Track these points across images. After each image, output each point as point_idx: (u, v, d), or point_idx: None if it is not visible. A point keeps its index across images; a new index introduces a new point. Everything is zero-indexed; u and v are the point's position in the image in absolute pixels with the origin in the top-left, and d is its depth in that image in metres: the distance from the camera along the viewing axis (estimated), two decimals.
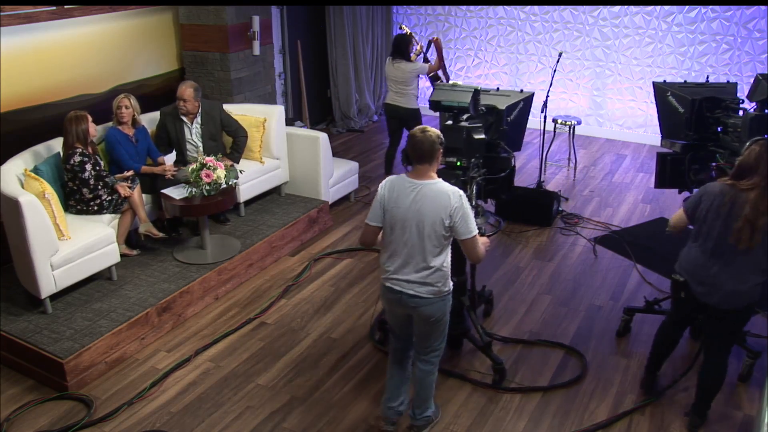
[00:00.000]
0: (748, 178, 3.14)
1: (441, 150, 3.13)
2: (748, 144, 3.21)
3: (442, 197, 3.05)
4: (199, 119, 5.39)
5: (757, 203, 3.09)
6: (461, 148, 3.66)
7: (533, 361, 4.16)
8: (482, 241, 3.27)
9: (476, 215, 3.80)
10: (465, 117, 3.78)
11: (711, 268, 3.28)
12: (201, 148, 5.31)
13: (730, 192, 3.18)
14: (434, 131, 3.10)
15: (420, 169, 3.12)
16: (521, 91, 4.31)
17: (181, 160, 5.37)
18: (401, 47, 6.27)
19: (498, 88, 4.28)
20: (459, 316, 4.02)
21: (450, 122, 3.74)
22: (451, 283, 3.27)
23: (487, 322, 4.55)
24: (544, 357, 4.21)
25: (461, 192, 3.09)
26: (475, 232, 3.11)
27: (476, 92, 3.69)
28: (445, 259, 3.18)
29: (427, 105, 3.90)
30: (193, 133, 5.39)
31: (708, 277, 3.30)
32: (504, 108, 3.95)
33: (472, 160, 3.71)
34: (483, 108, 3.90)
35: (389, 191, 3.16)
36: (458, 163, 3.69)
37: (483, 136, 3.70)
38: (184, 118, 5.34)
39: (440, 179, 3.15)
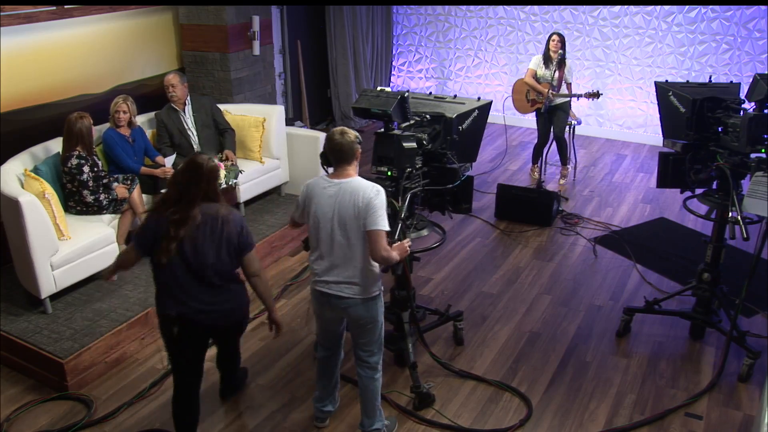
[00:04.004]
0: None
1: (359, 149, 3.15)
2: None
3: (359, 192, 3.04)
4: (189, 108, 5.50)
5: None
6: (392, 157, 3.52)
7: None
8: (400, 248, 3.20)
9: (421, 228, 3.73)
10: (405, 125, 3.63)
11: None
12: (197, 138, 5.45)
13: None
14: (353, 133, 3.11)
15: (339, 170, 3.14)
16: (479, 98, 4.08)
17: (184, 153, 5.38)
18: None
19: (455, 96, 4.06)
20: (399, 331, 3.91)
21: (382, 130, 3.61)
22: (380, 286, 3.25)
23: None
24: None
25: (379, 187, 3.08)
26: (381, 227, 3.03)
27: (402, 99, 3.55)
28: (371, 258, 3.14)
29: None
30: (188, 122, 5.47)
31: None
32: (454, 116, 3.72)
33: (407, 170, 3.54)
34: (427, 116, 3.74)
35: (307, 193, 3.17)
36: (389, 173, 3.55)
37: (413, 144, 3.51)
38: (177, 108, 5.43)
39: (358, 177, 3.14)
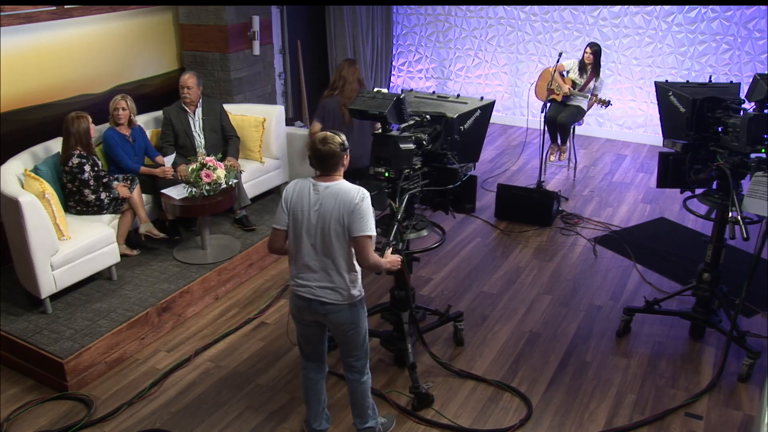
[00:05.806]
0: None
1: (345, 155, 3.06)
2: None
3: (344, 196, 2.98)
4: (200, 111, 5.44)
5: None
6: (390, 158, 3.49)
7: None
8: (391, 260, 3.22)
9: (420, 228, 3.73)
10: (403, 125, 3.62)
11: None
12: (203, 141, 5.42)
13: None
14: (336, 140, 3.02)
15: (324, 174, 3.08)
16: (481, 98, 4.00)
17: (186, 154, 5.36)
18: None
19: (458, 95, 4.04)
20: (399, 331, 3.92)
21: (379, 130, 3.58)
22: (362, 290, 3.19)
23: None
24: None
25: (365, 192, 3.02)
26: (369, 233, 3.00)
27: (398, 100, 3.52)
28: (354, 262, 3.10)
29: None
30: (196, 124, 5.42)
31: None
32: (455, 117, 3.69)
33: (405, 171, 3.52)
34: (427, 116, 3.72)
35: (293, 194, 3.08)
36: (386, 174, 3.52)
37: (411, 145, 3.47)
38: (188, 109, 5.38)
39: (343, 180, 3.08)
